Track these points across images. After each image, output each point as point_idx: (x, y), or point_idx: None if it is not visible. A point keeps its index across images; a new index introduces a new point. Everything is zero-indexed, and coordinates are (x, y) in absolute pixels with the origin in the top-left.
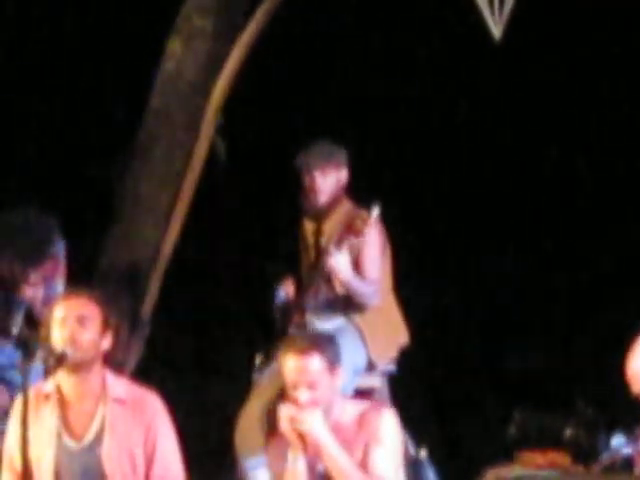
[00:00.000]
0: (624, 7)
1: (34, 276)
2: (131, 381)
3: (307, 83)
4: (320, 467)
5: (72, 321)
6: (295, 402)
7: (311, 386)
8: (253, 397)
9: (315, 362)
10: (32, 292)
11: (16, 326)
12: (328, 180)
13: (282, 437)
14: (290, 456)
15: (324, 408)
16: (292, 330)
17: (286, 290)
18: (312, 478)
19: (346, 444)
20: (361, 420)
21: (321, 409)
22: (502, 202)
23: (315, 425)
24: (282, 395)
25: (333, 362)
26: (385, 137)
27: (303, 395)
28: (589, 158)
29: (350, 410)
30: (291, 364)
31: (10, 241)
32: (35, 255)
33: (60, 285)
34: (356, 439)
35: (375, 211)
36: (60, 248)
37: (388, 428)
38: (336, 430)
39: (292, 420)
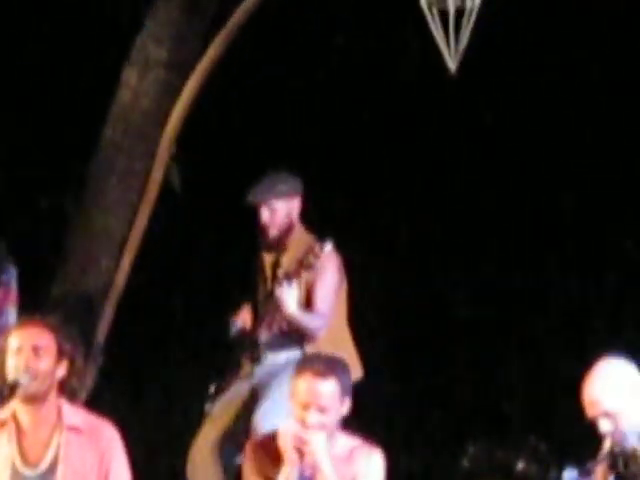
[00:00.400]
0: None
1: None
2: (86, 409)
3: (264, 110)
4: (307, 473)
5: (28, 350)
6: (302, 423)
7: (322, 410)
8: (206, 427)
9: (331, 386)
10: None
11: None
12: (277, 213)
13: (267, 455)
14: (284, 471)
15: (328, 434)
16: (245, 361)
17: (242, 319)
18: None
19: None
20: (351, 455)
21: (326, 434)
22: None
23: (319, 447)
24: (235, 426)
25: (345, 390)
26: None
27: (313, 417)
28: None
29: (342, 443)
30: (306, 385)
31: None
32: None
33: (12, 313)
34: (344, 474)
35: (327, 246)
36: (12, 275)
37: (376, 470)
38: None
39: (296, 438)
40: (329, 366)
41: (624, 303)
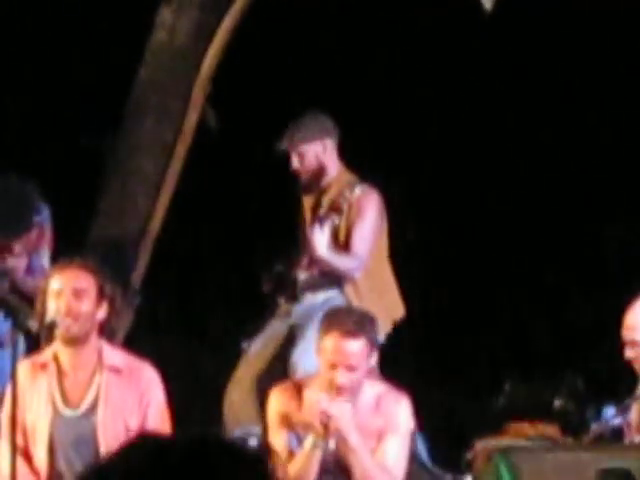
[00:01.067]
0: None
1: (16, 246)
2: (125, 350)
3: (297, 57)
4: (331, 444)
5: (68, 293)
6: (330, 383)
7: (351, 369)
8: (243, 366)
9: (359, 345)
10: (14, 262)
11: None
12: (306, 156)
13: (296, 402)
14: (309, 439)
15: (355, 391)
16: (282, 301)
17: (283, 263)
18: (325, 459)
19: (362, 427)
20: (378, 404)
21: (351, 393)
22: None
23: (343, 419)
24: (272, 365)
25: (373, 345)
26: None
27: (342, 377)
28: None
29: (368, 391)
30: (335, 344)
31: None
32: (18, 225)
33: (46, 255)
34: (372, 423)
35: (357, 190)
36: (45, 216)
37: (404, 417)
38: (355, 411)
39: (322, 413)
40: (358, 324)
41: None
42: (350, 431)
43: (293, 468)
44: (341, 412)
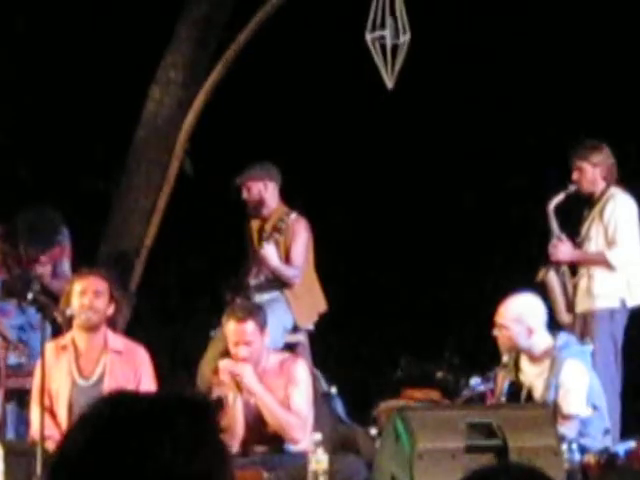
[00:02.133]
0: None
1: (44, 258)
2: (125, 337)
3: (253, 120)
4: (252, 401)
5: (90, 293)
6: (236, 356)
7: (248, 344)
8: (210, 349)
9: (250, 326)
10: (42, 269)
11: (32, 293)
12: (251, 191)
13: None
14: (230, 397)
15: (256, 360)
16: (239, 301)
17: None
18: (248, 411)
19: (270, 385)
20: (281, 367)
21: (252, 362)
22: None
23: (247, 376)
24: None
25: (263, 326)
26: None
27: (242, 351)
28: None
29: (273, 359)
30: (232, 328)
31: (28, 232)
32: (45, 243)
33: (67, 264)
34: (277, 381)
35: (292, 215)
36: (65, 236)
37: (301, 373)
38: (263, 375)
39: (230, 372)
40: (247, 311)
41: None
42: (254, 383)
43: (224, 422)
44: (243, 370)
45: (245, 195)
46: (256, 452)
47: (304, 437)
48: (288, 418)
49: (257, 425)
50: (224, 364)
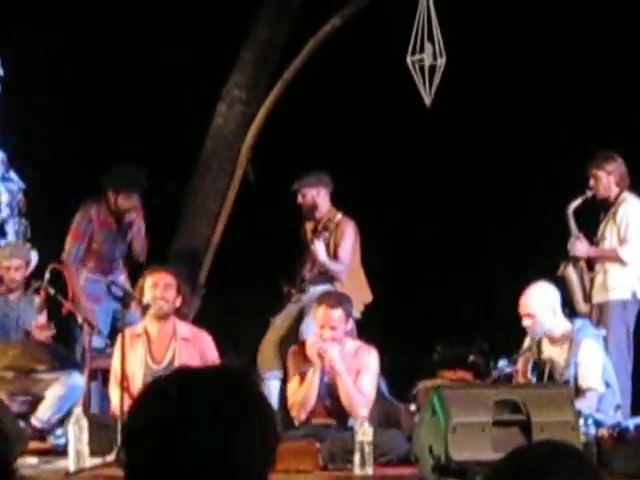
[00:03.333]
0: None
1: (135, 200)
2: (192, 325)
3: (308, 133)
4: (326, 379)
5: (162, 286)
6: (321, 337)
7: (333, 328)
8: (270, 332)
9: (338, 313)
10: (131, 217)
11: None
12: (306, 197)
13: (302, 355)
14: (311, 370)
15: (338, 343)
16: (295, 292)
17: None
18: (321, 386)
19: (345, 367)
20: (356, 353)
21: (338, 344)
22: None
23: (334, 354)
24: (289, 332)
25: (348, 314)
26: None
27: (327, 334)
28: None
29: (349, 345)
30: (322, 312)
31: (117, 178)
32: (135, 183)
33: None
34: (352, 365)
35: (337, 216)
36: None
37: (373, 361)
38: (341, 357)
39: (318, 348)
40: (337, 299)
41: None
42: (338, 362)
43: (300, 392)
44: (331, 349)
45: (300, 200)
46: (314, 424)
47: (365, 415)
48: (359, 398)
49: (326, 400)
50: (313, 340)
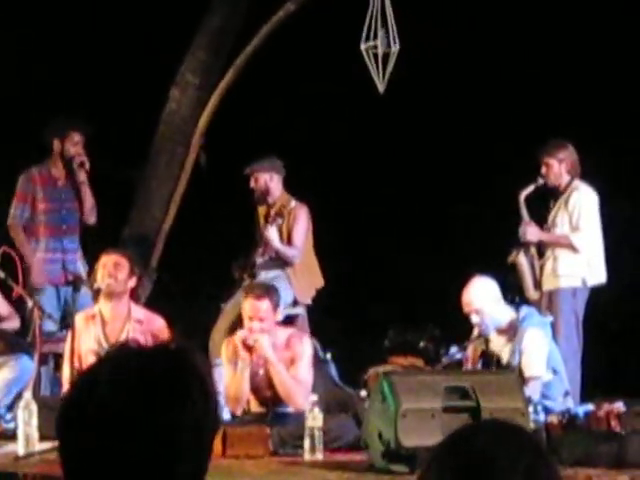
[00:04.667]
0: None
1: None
2: (146, 308)
3: (260, 119)
4: (261, 372)
5: (110, 265)
6: (250, 329)
7: (261, 320)
8: (220, 319)
9: (265, 304)
10: None
11: None
12: (258, 181)
13: (235, 347)
14: (240, 364)
15: (269, 334)
16: (246, 277)
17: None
18: (256, 380)
19: (279, 358)
20: (288, 342)
21: (267, 335)
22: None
23: (264, 345)
24: (238, 319)
25: (276, 305)
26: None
27: (256, 325)
28: None
29: (281, 334)
30: (249, 304)
31: None
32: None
33: None
34: (284, 354)
35: (291, 202)
36: None
37: (306, 348)
38: (273, 348)
39: (248, 339)
40: (263, 290)
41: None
42: (269, 352)
43: (232, 387)
44: (261, 339)
45: (253, 184)
46: (255, 412)
47: (305, 403)
48: (295, 387)
49: (262, 392)
50: (241, 334)
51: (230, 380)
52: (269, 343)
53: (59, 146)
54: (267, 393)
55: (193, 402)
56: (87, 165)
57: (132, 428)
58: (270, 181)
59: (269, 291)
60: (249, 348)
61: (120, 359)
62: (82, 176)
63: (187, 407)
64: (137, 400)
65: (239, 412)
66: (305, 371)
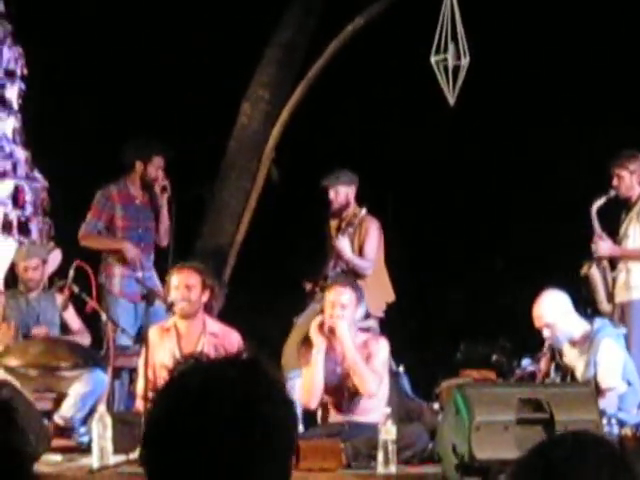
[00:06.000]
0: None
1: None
2: (219, 321)
3: (331, 132)
4: (338, 369)
5: (182, 287)
6: (330, 315)
7: (343, 307)
8: (293, 333)
9: (348, 292)
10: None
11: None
12: (339, 194)
13: (311, 349)
14: (314, 350)
15: (349, 323)
16: (317, 292)
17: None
18: (333, 378)
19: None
20: (366, 343)
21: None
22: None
23: (342, 328)
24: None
25: (359, 298)
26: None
27: (337, 310)
28: None
29: (360, 337)
30: (334, 291)
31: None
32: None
33: None
34: (362, 352)
35: (362, 212)
36: None
37: (382, 348)
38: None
39: (328, 324)
40: (348, 281)
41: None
42: (346, 335)
43: (306, 377)
44: (339, 323)
45: (332, 196)
46: (330, 424)
47: (378, 392)
48: (368, 372)
49: (339, 394)
50: (319, 319)
51: (305, 373)
52: (346, 326)
53: (141, 167)
54: (344, 395)
55: (275, 409)
56: (169, 190)
57: (221, 437)
58: (350, 194)
59: (354, 284)
60: (329, 331)
61: (209, 371)
62: (163, 200)
63: (270, 415)
64: (227, 410)
65: (314, 405)
66: (379, 363)
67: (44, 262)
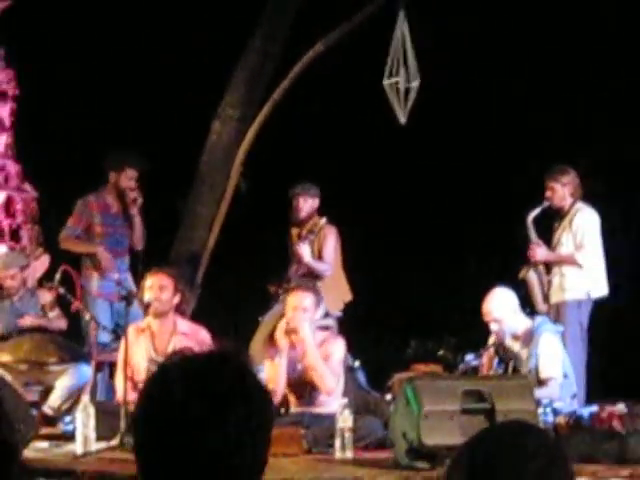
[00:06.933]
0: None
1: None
2: (190, 321)
3: (294, 148)
4: (299, 366)
5: (156, 288)
6: (291, 317)
7: (305, 310)
8: (259, 330)
9: (310, 298)
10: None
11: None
12: (306, 203)
13: (276, 348)
14: (277, 355)
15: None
16: (280, 293)
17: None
18: (294, 374)
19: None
20: (323, 342)
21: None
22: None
23: (304, 328)
24: (274, 329)
25: (317, 303)
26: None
27: (299, 314)
28: None
29: (319, 336)
30: (296, 296)
31: None
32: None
33: None
34: (321, 352)
35: (322, 220)
36: None
37: (339, 347)
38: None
39: (290, 326)
40: (308, 287)
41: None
42: (308, 334)
43: (269, 376)
44: (302, 324)
45: (300, 204)
46: (292, 413)
47: (336, 388)
48: (327, 372)
49: (299, 389)
50: (282, 323)
51: (268, 371)
52: (309, 327)
53: (115, 178)
54: (304, 389)
55: (254, 399)
56: (139, 201)
57: (203, 427)
58: (314, 205)
59: (314, 288)
60: (290, 332)
61: (188, 366)
62: (134, 210)
63: (250, 404)
64: (208, 401)
65: (276, 402)
66: (337, 365)
67: (23, 268)
